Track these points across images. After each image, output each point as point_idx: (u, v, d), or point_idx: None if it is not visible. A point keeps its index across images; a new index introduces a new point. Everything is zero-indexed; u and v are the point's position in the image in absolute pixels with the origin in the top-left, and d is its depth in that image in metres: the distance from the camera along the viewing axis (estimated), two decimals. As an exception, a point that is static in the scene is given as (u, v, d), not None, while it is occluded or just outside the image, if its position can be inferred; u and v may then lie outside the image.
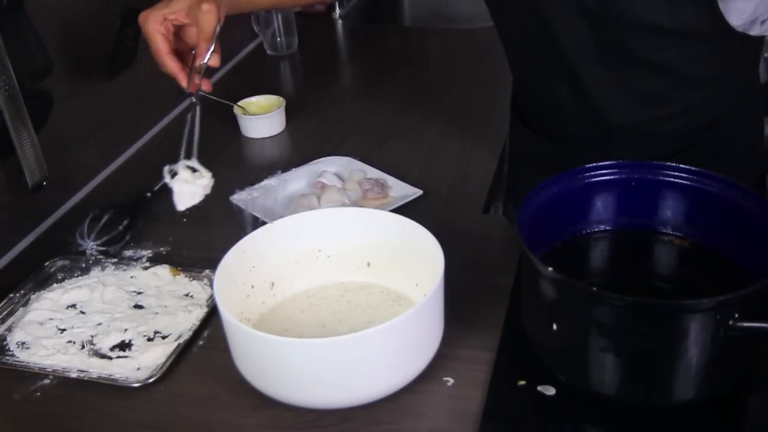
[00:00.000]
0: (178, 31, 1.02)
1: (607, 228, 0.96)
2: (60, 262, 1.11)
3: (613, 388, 0.81)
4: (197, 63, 0.99)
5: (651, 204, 0.94)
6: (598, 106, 1.10)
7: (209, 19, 0.97)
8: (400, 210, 1.15)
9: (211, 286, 1.02)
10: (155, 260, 1.12)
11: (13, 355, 0.95)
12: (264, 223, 1.08)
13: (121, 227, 1.16)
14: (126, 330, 0.98)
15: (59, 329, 0.99)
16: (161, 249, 1.14)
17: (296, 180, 1.27)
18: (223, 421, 0.86)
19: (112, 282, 1.06)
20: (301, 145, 1.44)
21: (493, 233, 1.15)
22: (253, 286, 0.96)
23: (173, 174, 1.00)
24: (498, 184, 1.35)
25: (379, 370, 0.84)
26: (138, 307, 1.02)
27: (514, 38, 1.16)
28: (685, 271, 0.94)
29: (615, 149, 1.04)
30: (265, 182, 1.26)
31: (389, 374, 0.85)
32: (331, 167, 1.29)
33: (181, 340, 0.95)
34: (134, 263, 1.10)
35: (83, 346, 0.96)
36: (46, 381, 0.92)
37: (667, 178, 0.92)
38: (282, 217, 1.01)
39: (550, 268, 0.78)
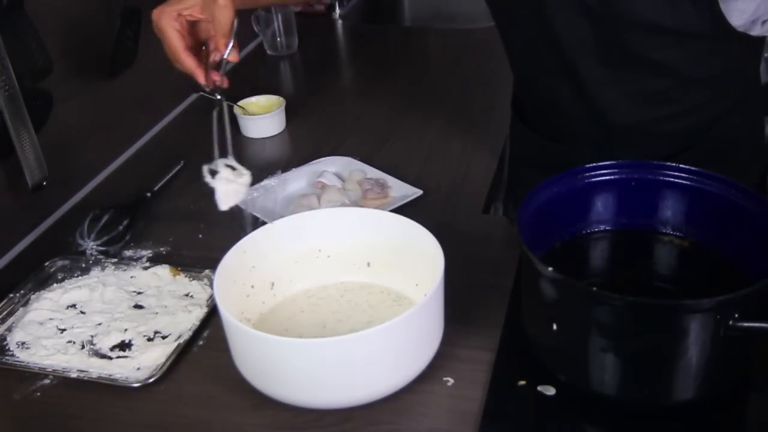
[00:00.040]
0: (190, 27, 1.01)
1: (607, 228, 0.96)
2: (60, 262, 1.11)
3: (613, 388, 0.81)
4: (216, 58, 0.97)
5: (651, 204, 0.94)
6: (598, 106, 1.09)
7: (226, 14, 0.96)
8: (400, 210, 1.15)
9: (211, 286, 1.02)
10: (155, 260, 1.12)
11: (13, 355, 0.95)
12: (264, 223, 1.08)
13: (121, 227, 1.16)
14: (126, 330, 0.98)
15: (59, 329, 0.99)
16: (161, 249, 1.14)
17: (296, 180, 1.27)
18: (223, 421, 0.86)
19: (112, 282, 1.06)
20: (301, 145, 1.44)
21: (493, 233, 1.15)
22: (253, 286, 0.96)
23: (213, 173, 0.98)
24: (498, 184, 1.35)
25: (379, 370, 0.84)
26: (138, 307, 1.02)
27: (515, 38, 1.16)
28: (685, 271, 0.94)
29: (615, 149, 1.04)
30: (265, 182, 1.26)
31: (389, 374, 0.85)
32: (331, 167, 1.29)
33: (181, 340, 0.95)
34: (134, 263, 1.10)
35: (83, 346, 0.96)
36: (46, 381, 0.92)
37: (667, 178, 0.92)
38: (282, 217, 1.01)
39: (550, 268, 0.78)
